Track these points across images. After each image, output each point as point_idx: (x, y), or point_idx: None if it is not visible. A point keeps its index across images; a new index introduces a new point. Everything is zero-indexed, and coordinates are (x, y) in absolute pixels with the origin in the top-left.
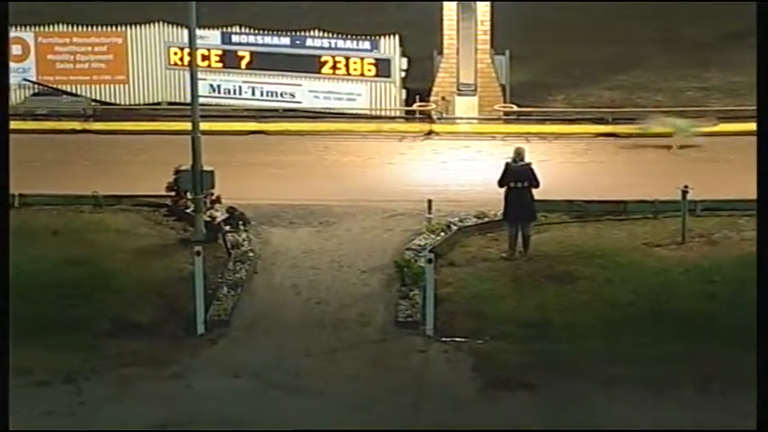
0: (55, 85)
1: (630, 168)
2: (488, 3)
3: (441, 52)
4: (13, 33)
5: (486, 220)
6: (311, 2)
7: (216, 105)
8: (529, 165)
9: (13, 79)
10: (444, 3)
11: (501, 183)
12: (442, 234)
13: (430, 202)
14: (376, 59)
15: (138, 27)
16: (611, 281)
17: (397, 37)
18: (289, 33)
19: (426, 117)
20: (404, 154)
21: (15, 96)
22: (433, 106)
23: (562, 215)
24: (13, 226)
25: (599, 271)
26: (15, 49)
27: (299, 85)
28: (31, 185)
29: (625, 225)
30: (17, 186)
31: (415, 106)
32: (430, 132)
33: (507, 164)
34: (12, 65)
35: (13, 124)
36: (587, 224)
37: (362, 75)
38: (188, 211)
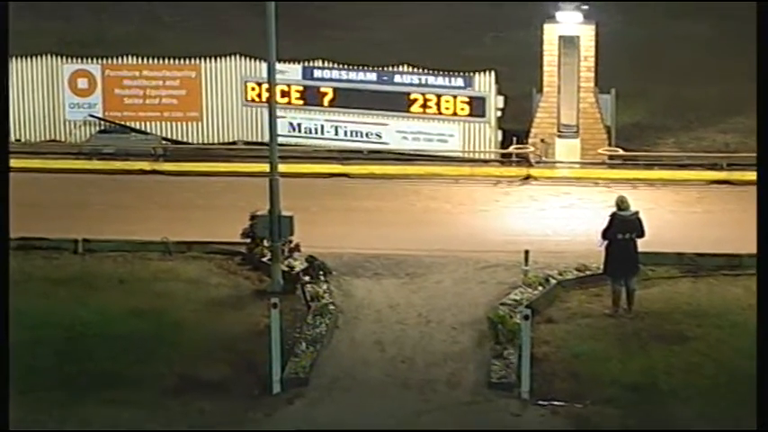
0: (123, 122)
1: (746, 218)
2: (593, 36)
3: (540, 90)
4: (78, 66)
5: (588, 273)
6: (400, 34)
7: (296, 145)
8: (637, 214)
9: (79, 115)
10: (545, 36)
11: (606, 234)
12: (540, 288)
13: (527, 252)
14: (470, 97)
15: (213, 60)
16: (724, 342)
17: (492, 73)
18: (375, 68)
19: (524, 160)
20: (499, 200)
21: (81, 133)
22: (532, 149)
23: (671, 269)
24: (76, 274)
25: (711, 330)
26: (81, 83)
27: (386, 124)
28: (95, 230)
29: (740, 281)
30: (81, 231)
31: (511, 149)
32: (527, 177)
33: (614, 214)
34: (77, 99)
35: (78, 164)
36: (699, 279)
37: (455, 114)
38: (264, 259)
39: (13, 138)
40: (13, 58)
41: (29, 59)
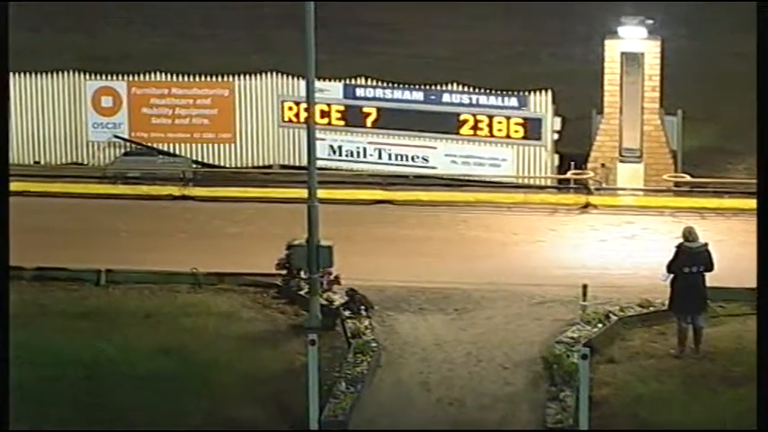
0: (150, 144)
1: None
2: (658, 53)
3: (601, 111)
4: (102, 83)
5: (652, 309)
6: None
7: (336, 170)
8: (705, 246)
9: (103, 136)
10: (606, 53)
11: (671, 267)
12: (600, 325)
13: (585, 287)
14: (524, 119)
15: (247, 77)
16: None
17: (549, 92)
18: (422, 87)
19: (582, 187)
20: (555, 230)
21: (104, 156)
22: (591, 175)
23: (742, 306)
24: (99, 307)
25: None
26: (105, 101)
27: (434, 147)
28: (119, 260)
29: None
30: (104, 261)
31: (569, 174)
32: (586, 205)
33: (680, 245)
34: (101, 119)
35: (101, 188)
36: None
37: (508, 136)
38: (301, 292)
39: (31, 160)
40: (32, 75)
41: (49, 76)
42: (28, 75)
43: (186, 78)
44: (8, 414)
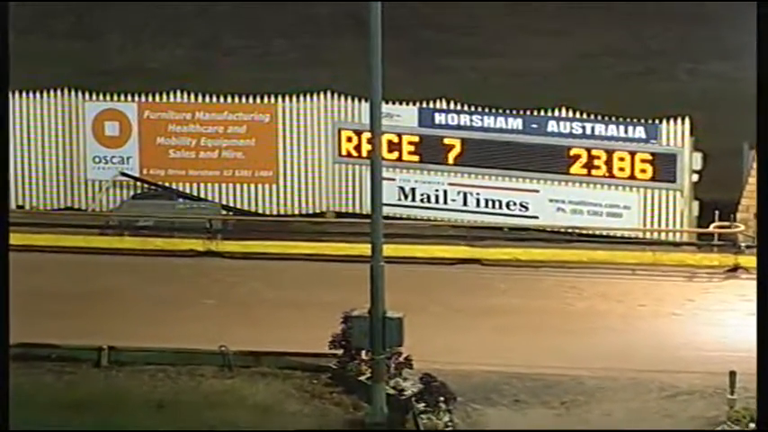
0: (166, 184)
1: None
2: None
3: (755, 145)
4: (106, 104)
5: None
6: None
7: (408, 219)
8: None
9: (106, 173)
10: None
11: None
12: (752, 426)
13: (733, 375)
14: (653, 154)
15: (294, 98)
16: None
17: (686, 120)
18: (520, 112)
19: (730, 244)
20: (694, 300)
21: (107, 199)
22: (742, 228)
23: None
24: (99, 395)
25: None
26: (110, 128)
27: (536, 191)
28: (126, 334)
29: None
30: (106, 335)
31: (712, 228)
32: (735, 268)
33: None
34: (104, 151)
35: (104, 241)
36: None
37: (632, 177)
38: (362, 378)
39: (14, 204)
40: (16, 93)
41: (37, 95)
42: (10, 93)
43: (215, 99)
44: (8, 414)
